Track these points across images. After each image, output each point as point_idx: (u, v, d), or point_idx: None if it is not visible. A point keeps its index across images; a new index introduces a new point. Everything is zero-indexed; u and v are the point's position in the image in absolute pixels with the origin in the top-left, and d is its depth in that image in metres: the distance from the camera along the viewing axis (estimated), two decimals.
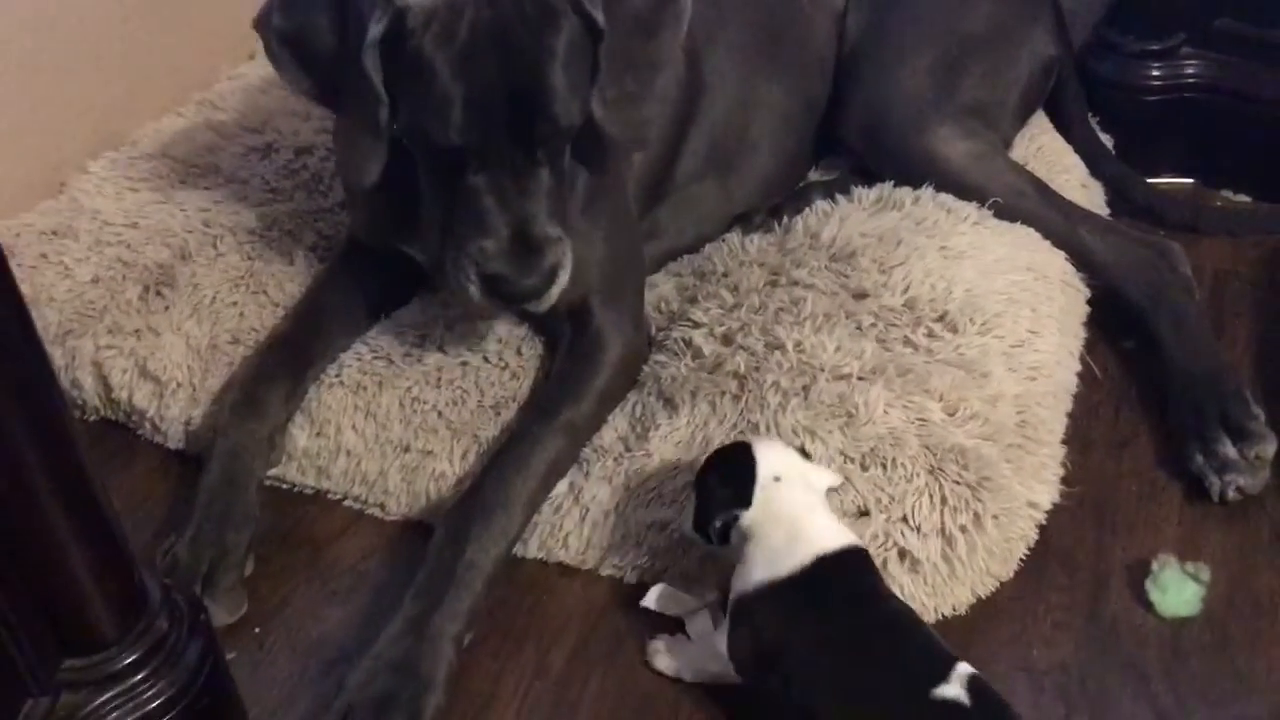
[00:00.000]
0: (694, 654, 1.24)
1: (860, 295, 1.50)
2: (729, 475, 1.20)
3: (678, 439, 1.39)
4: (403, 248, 1.51)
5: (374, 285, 1.58)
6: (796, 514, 1.17)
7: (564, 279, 1.34)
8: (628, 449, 1.40)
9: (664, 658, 1.25)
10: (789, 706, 1.13)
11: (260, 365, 1.47)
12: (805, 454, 1.28)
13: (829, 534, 1.17)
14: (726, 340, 1.47)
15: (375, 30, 1.23)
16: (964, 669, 1.08)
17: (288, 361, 1.48)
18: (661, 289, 1.61)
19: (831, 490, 1.24)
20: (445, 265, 1.35)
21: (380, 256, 1.55)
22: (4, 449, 0.92)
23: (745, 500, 1.18)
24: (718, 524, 1.19)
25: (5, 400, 0.91)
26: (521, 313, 1.44)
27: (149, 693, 1.07)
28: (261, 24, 1.33)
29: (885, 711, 1.09)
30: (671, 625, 1.28)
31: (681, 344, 1.49)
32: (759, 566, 1.16)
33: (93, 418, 1.56)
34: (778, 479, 1.19)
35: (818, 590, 1.14)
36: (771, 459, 1.21)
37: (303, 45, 1.30)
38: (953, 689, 1.06)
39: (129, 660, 1.05)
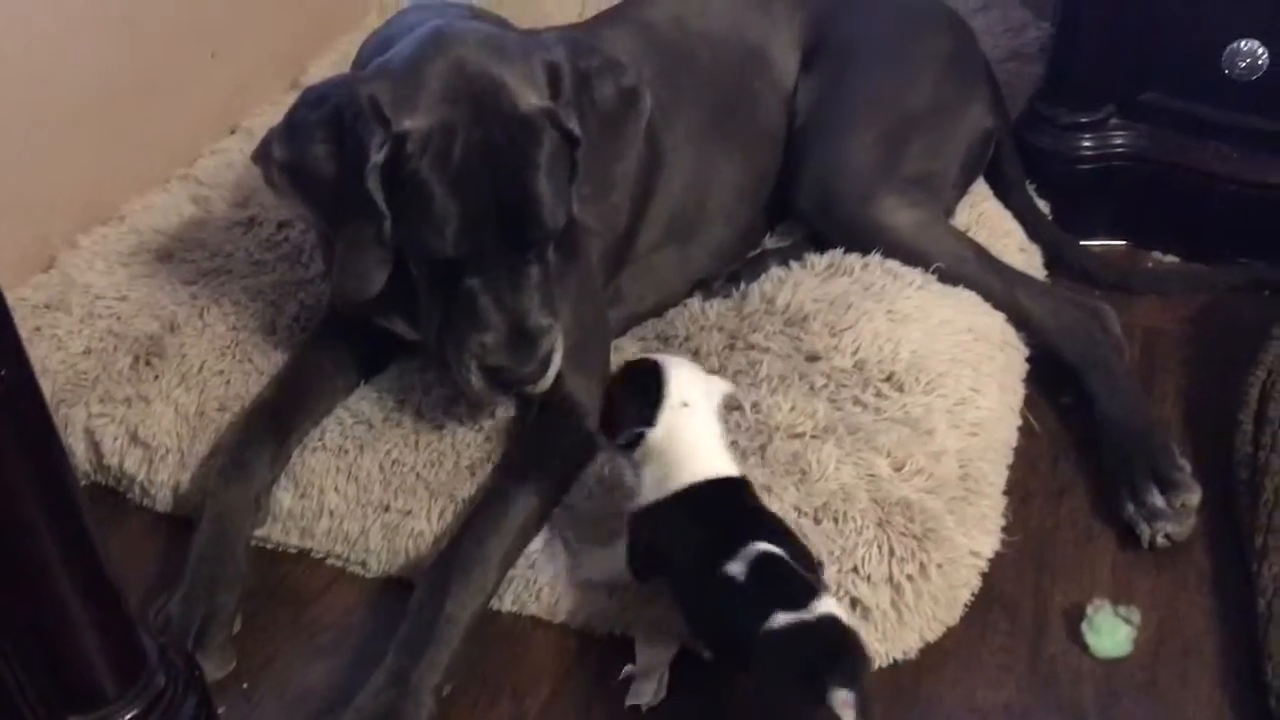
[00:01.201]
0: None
1: (813, 358, 1.59)
2: (641, 393, 1.32)
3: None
4: (380, 322, 1.60)
5: (354, 353, 1.65)
6: (692, 444, 1.31)
7: (558, 361, 1.45)
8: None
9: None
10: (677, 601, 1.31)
11: (246, 431, 1.54)
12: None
13: (713, 463, 1.31)
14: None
15: (377, 157, 1.32)
16: (756, 548, 1.22)
17: (272, 427, 1.55)
18: (626, 353, 1.69)
19: (727, 395, 1.38)
20: (447, 359, 1.45)
21: (359, 326, 1.63)
22: (14, 514, 0.99)
23: (650, 420, 1.31)
24: (621, 441, 1.32)
25: (15, 466, 0.98)
26: (519, 395, 1.53)
27: None
28: (261, 156, 1.42)
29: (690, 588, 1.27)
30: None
31: None
32: (650, 488, 1.31)
33: (83, 483, 1.62)
34: (686, 404, 1.31)
35: (691, 506, 1.29)
36: (683, 385, 1.32)
37: (302, 173, 1.38)
38: (736, 565, 1.21)
39: (129, 716, 1.11)
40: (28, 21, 1.79)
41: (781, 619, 1.16)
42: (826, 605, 1.18)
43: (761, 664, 1.18)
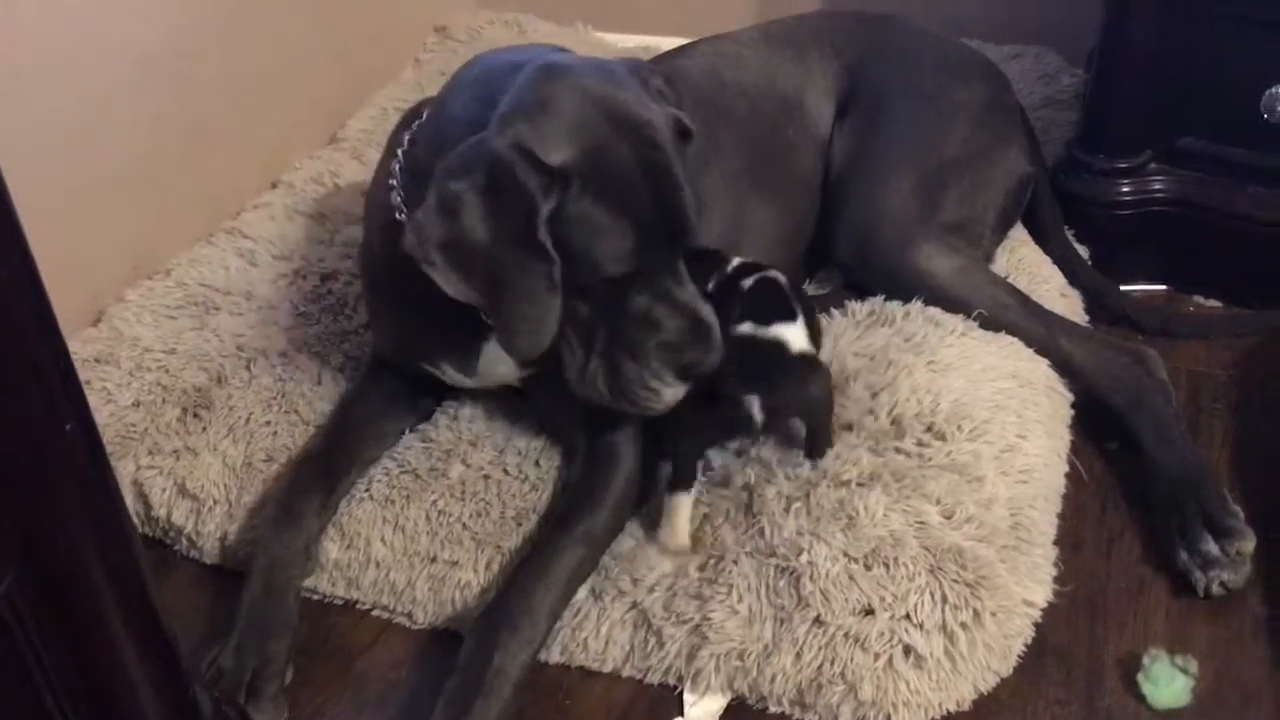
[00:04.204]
0: None
1: (845, 428, 1.56)
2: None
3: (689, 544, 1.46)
4: (426, 366, 1.60)
5: (399, 402, 1.66)
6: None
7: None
8: (641, 554, 1.46)
9: None
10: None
11: (294, 480, 1.55)
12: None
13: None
14: (739, 454, 1.55)
15: (548, 204, 1.30)
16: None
17: (320, 476, 1.55)
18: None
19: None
20: (595, 382, 1.43)
21: (404, 374, 1.65)
22: (74, 567, 1.00)
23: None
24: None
25: (77, 519, 0.99)
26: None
27: None
28: (416, 243, 1.34)
29: None
30: None
31: None
32: None
33: None
34: None
35: None
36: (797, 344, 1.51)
37: (460, 246, 1.33)
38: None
39: None
40: (79, 78, 1.83)
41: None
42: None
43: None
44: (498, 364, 1.54)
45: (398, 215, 1.48)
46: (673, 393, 1.44)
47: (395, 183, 1.50)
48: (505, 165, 1.29)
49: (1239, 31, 1.78)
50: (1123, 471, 1.65)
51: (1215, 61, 1.81)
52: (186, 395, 1.70)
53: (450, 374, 1.60)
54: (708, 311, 1.43)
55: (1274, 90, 1.79)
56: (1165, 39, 1.82)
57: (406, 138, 1.51)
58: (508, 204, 1.30)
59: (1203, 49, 1.81)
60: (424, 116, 1.52)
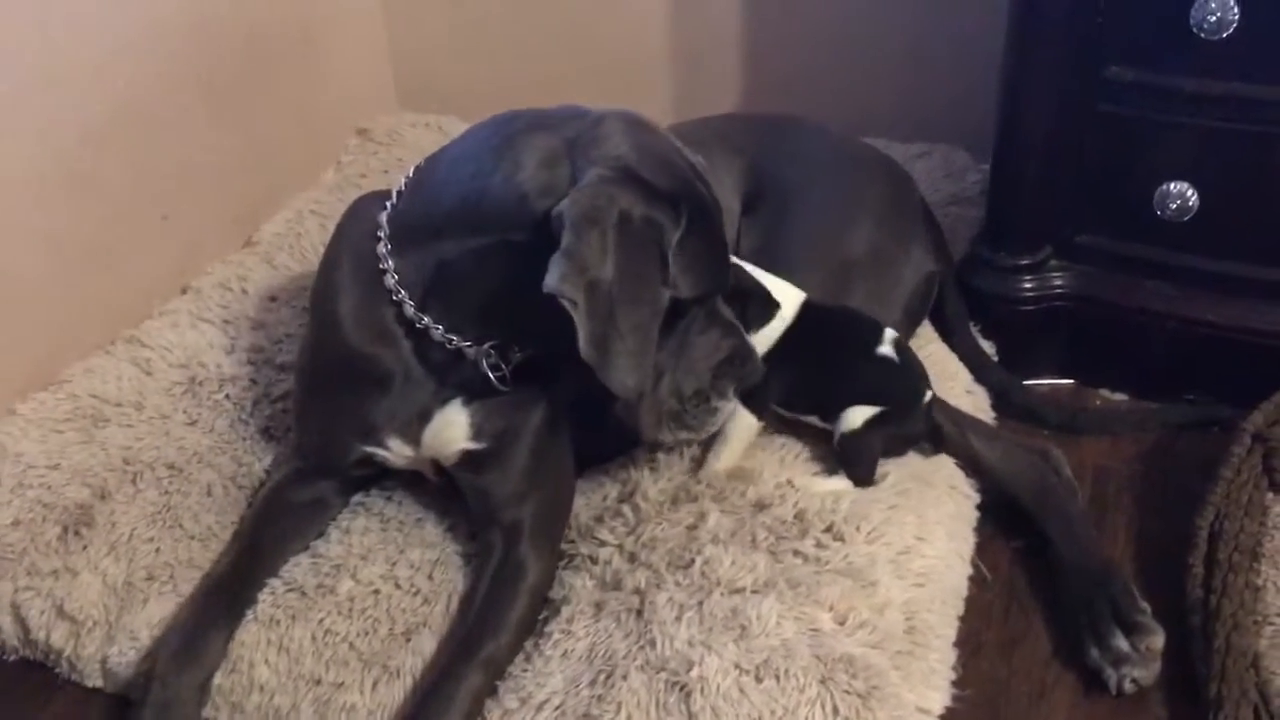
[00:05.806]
0: None
1: (761, 506, 1.57)
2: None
3: (579, 655, 1.43)
4: (367, 448, 1.56)
5: (304, 517, 1.63)
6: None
7: None
8: (531, 668, 1.42)
9: None
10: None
11: (202, 613, 1.49)
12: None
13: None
14: (631, 558, 1.53)
15: (676, 234, 1.38)
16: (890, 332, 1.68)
17: (227, 607, 1.51)
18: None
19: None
20: (664, 415, 1.50)
21: (323, 478, 1.62)
22: None
23: None
24: None
25: None
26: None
27: None
28: (570, 273, 1.31)
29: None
30: None
31: (588, 561, 1.54)
32: None
33: (12, 658, 1.58)
34: None
35: None
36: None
37: (596, 287, 1.32)
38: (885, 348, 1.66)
39: None
40: None
41: None
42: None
43: None
44: (444, 429, 1.53)
45: (393, 297, 1.47)
46: (728, 409, 1.54)
47: (387, 266, 1.48)
48: (635, 200, 1.34)
49: (1129, 130, 1.81)
50: (1029, 571, 1.64)
51: (1108, 160, 1.84)
52: (68, 512, 1.65)
53: (396, 447, 1.56)
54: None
55: (1165, 188, 1.81)
56: (1059, 138, 1.84)
57: (384, 216, 1.50)
58: (637, 237, 1.34)
59: (1095, 148, 1.83)
60: (405, 185, 1.52)
